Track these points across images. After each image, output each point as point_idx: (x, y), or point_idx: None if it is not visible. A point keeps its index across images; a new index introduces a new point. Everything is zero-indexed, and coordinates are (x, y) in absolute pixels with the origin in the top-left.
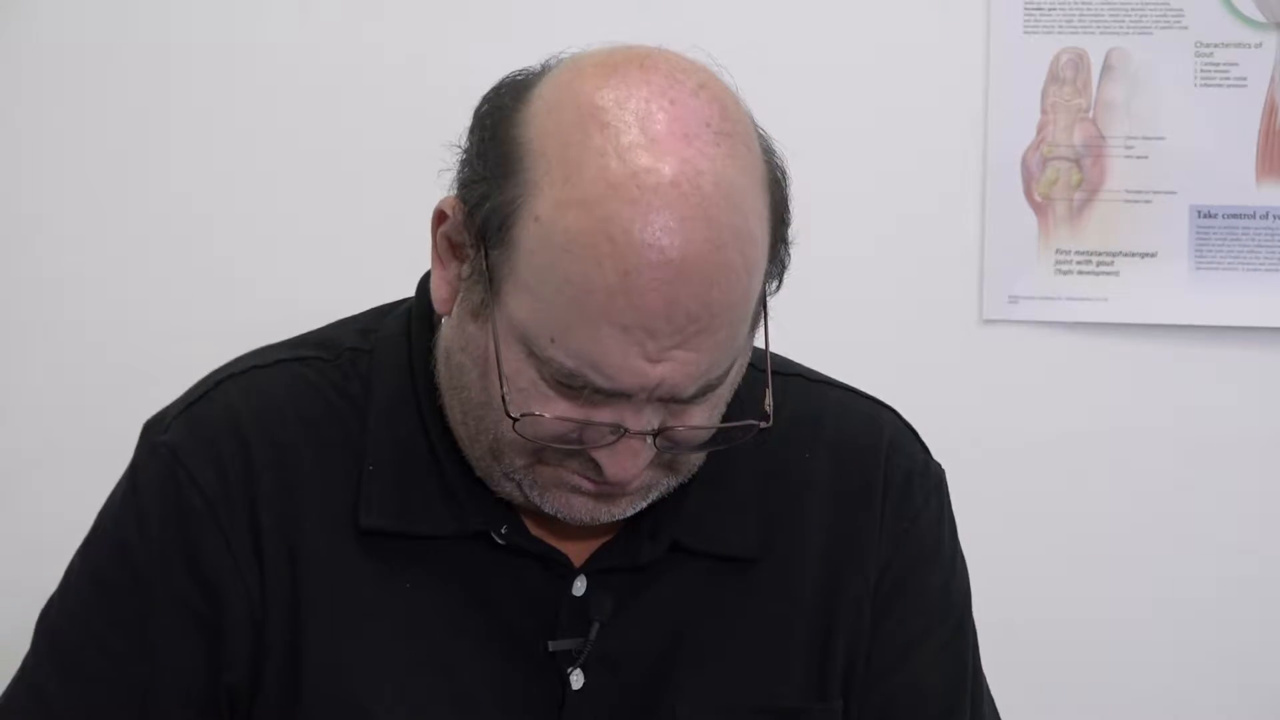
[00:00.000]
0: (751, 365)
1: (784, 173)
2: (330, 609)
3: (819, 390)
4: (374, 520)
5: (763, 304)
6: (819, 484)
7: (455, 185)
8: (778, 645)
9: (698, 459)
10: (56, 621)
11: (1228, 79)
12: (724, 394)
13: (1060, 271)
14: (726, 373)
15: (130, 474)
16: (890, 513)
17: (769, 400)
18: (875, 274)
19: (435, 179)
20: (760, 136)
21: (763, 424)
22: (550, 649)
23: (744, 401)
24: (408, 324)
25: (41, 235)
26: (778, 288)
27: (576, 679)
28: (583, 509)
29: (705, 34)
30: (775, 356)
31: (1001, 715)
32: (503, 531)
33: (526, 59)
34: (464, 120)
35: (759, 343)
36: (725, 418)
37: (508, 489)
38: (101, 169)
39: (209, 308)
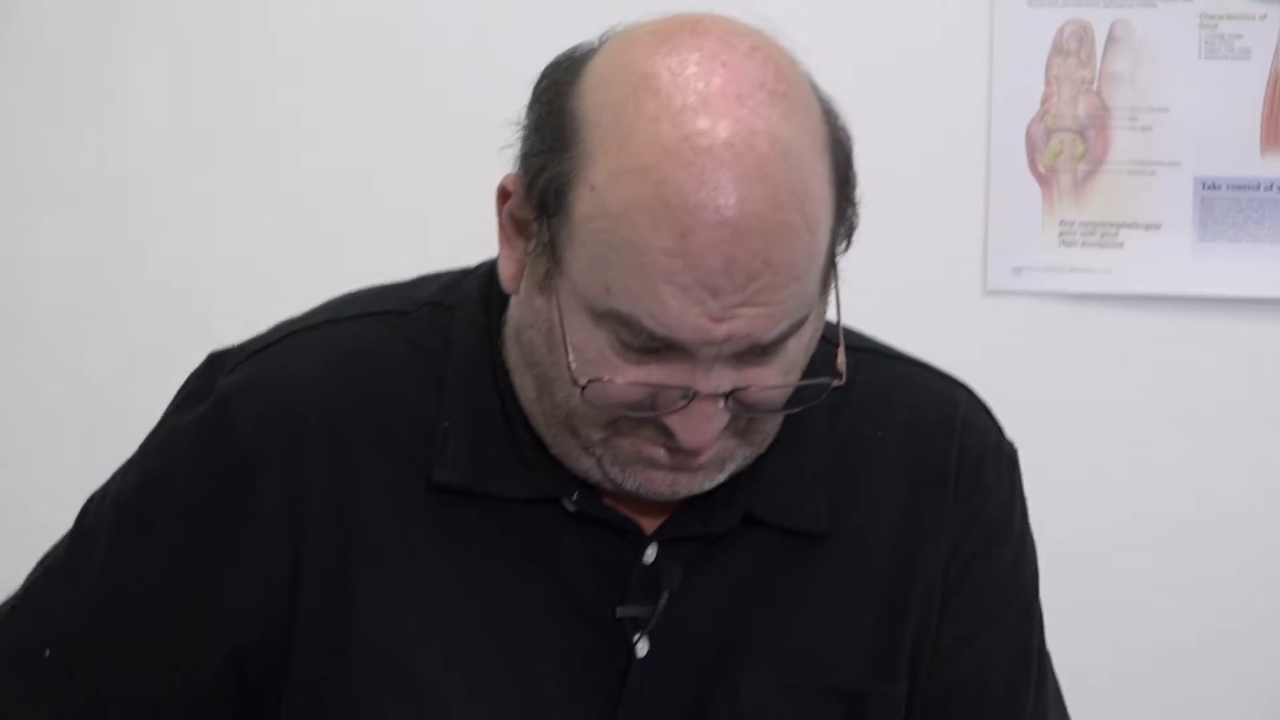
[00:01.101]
0: (823, 339)
1: (847, 135)
2: (387, 568)
3: (892, 366)
4: (447, 475)
5: (832, 264)
6: (891, 461)
7: (516, 162)
8: (845, 625)
9: (772, 427)
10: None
11: (1232, 51)
12: (796, 356)
13: (1064, 243)
14: (795, 329)
15: (180, 403)
16: (962, 492)
17: (841, 359)
18: (879, 245)
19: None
20: (820, 99)
21: (835, 382)
22: (617, 615)
23: (816, 370)
24: (488, 286)
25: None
26: (846, 248)
27: (642, 647)
28: (662, 483)
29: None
30: (849, 331)
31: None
32: (574, 498)
33: (586, 35)
34: (524, 98)
35: (829, 313)
36: (798, 382)
37: (586, 465)
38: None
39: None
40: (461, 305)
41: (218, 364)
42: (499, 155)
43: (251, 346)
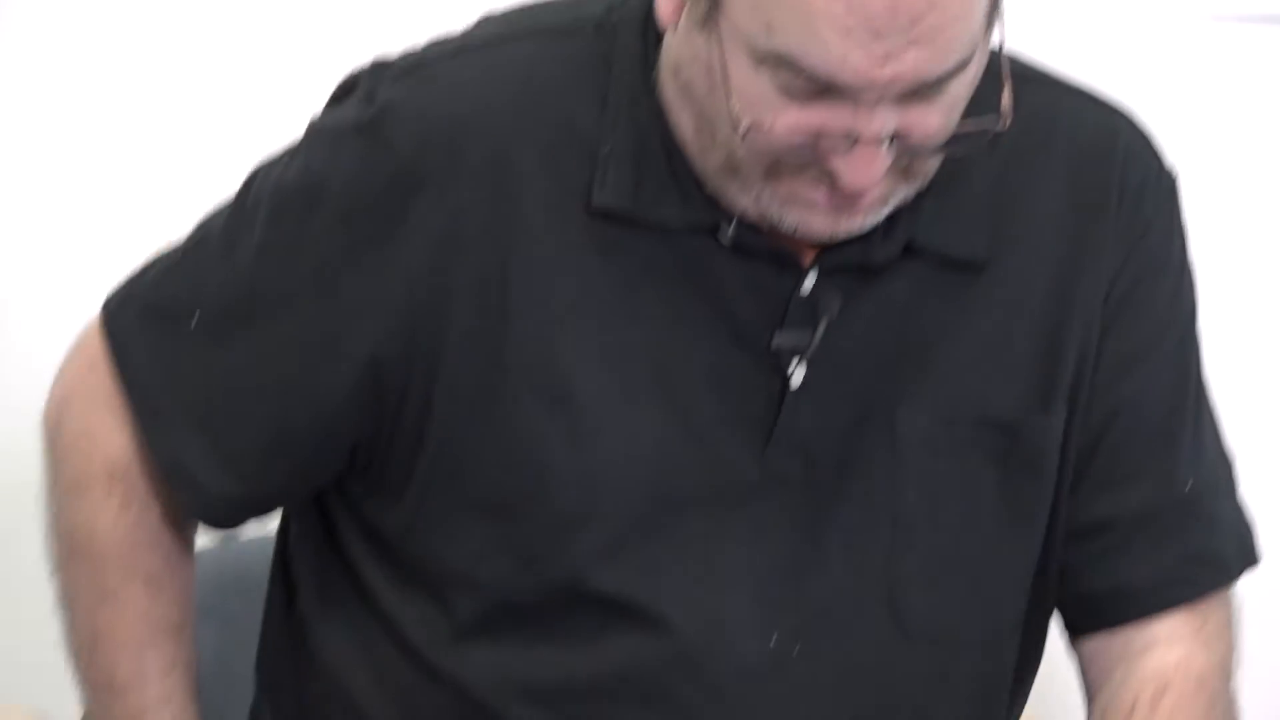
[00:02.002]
0: (987, 71)
1: None
2: (545, 288)
3: (1053, 93)
4: (608, 199)
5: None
6: (1051, 191)
7: None
8: (1003, 356)
9: (933, 165)
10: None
11: None
12: (959, 96)
13: None
14: (960, 69)
15: (345, 100)
16: (1123, 222)
17: (1006, 99)
18: None
19: None
20: None
21: (999, 126)
22: (774, 344)
23: (979, 105)
24: (647, 14)
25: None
26: None
27: (798, 376)
28: (822, 225)
29: None
30: (1011, 59)
31: None
32: (731, 230)
33: None
34: None
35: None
36: (961, 121)
37: (744, 203)
38: None
39: None
40: (624, 27)
41: (381, 72)
42: None
43: (415, 60)
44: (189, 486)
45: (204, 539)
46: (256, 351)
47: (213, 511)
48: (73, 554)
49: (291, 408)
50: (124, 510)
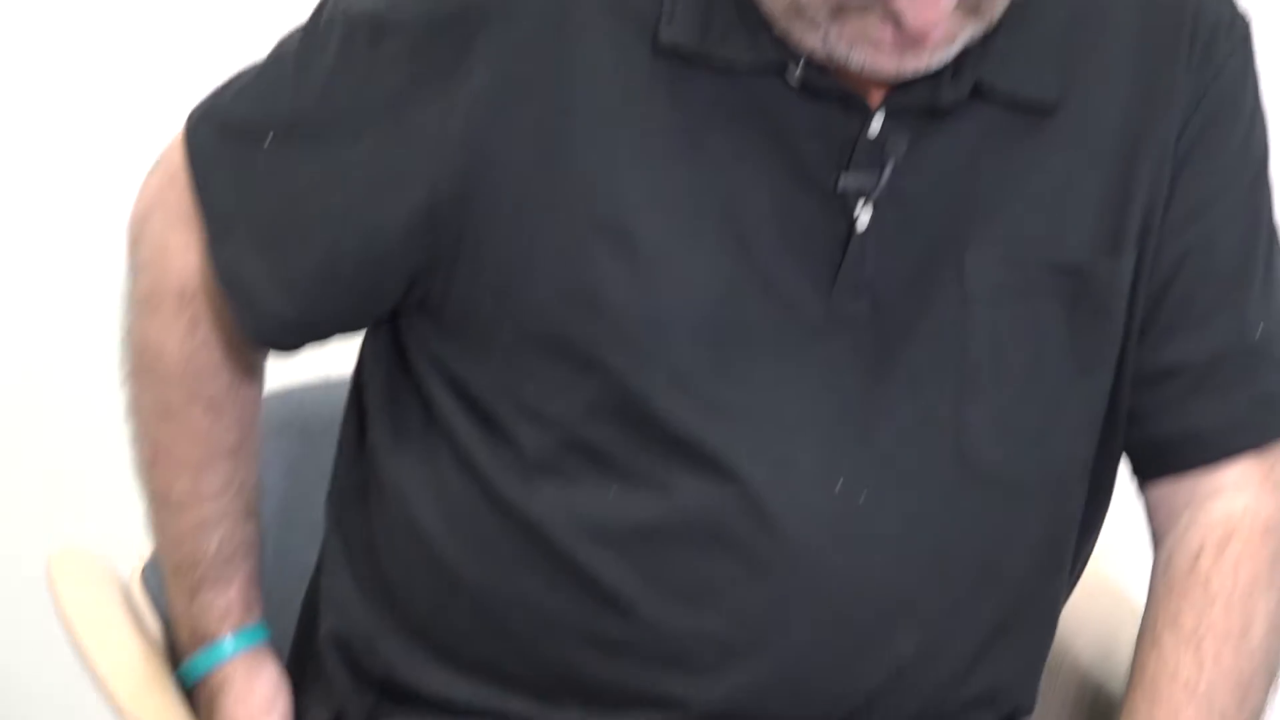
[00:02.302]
0: None
1: None
2: (608, 126)
3: None
4: (675, 35)
5: None
6: (1123, 33)
7: None
8: (1072, 199)
9: (1002, 3)
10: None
11: None
12: None
13: None
14: None
15: None
16: (1194, 66)
17: None
18: None
19: None
20: None
21: None
22: (840, 186)
23: None
24: None
25: None
26: None
27: (864, 218)
28: (888, 64)
29: None
30: None
31: None
32: (799, 70)
33: None
34: None
35: None
36: None
37: (811, 42)
38: None
39: None
40: None
41: None
42: None
43: None
44: (245, 304)
45: (273, 382)
46: (320, 175)
47: (267, 331)
48: (140, 368)
49: (348, 235)
50: (191, 333)
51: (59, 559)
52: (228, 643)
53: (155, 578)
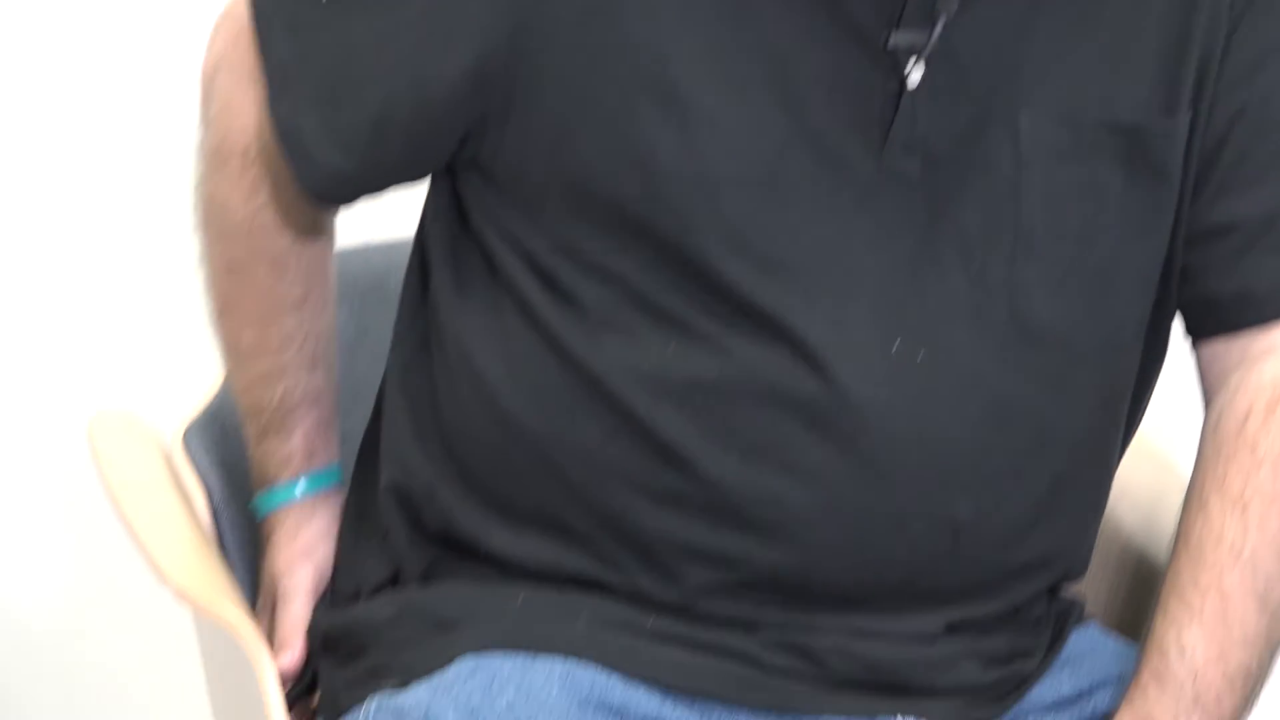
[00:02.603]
0: None
1: None
2: None
3: None
4: None
5: None
6: None
7: None
8: (1127, 59)
9: None
10: None
11: None
12: None
13: None
14: None
15: None
16: None
17: None
18: None
19: None
20: None
21: None
22: (890, 43)
23: None
24: None
25: None
26: None
27: (915, 76)
28: None
29: None
30: None
31: None
32: None
33: None
34: None
35: None
36: None
37: None
38: None
39: None
40: None
41: None
42: None
43: None
44: (301, 157)
45: (342, 239)
46: (376, 30)
47: (322, 185)
48: (208, 221)
49: (400, 90)
50: (254, 193)
51: (99, 420)
52: (283, 488)
53: (197, 440)
